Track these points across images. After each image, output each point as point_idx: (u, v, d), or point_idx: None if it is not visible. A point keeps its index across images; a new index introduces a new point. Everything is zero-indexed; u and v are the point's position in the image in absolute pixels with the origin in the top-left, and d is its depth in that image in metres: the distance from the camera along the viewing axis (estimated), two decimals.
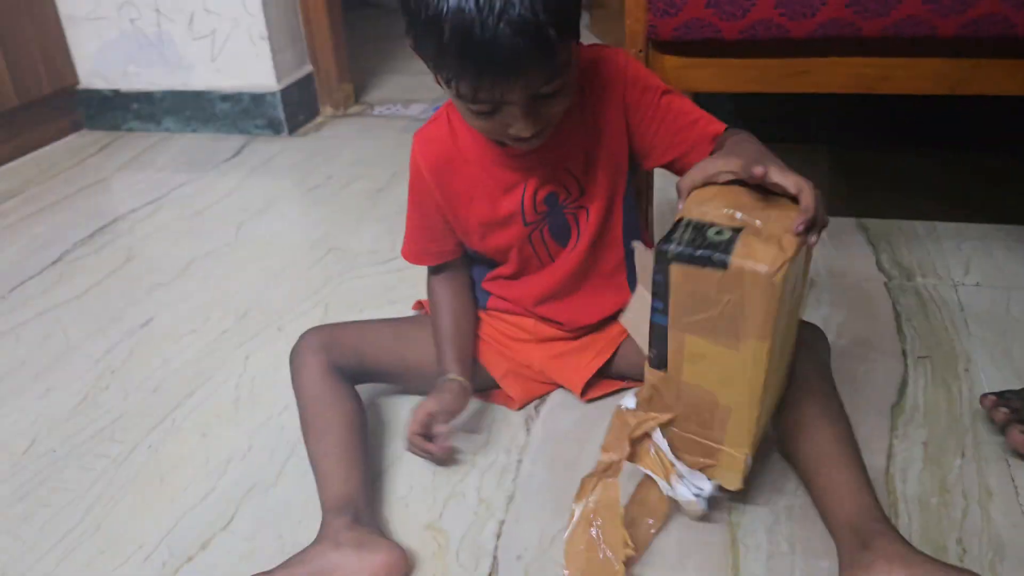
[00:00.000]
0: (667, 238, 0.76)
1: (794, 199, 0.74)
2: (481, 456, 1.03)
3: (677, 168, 0.96)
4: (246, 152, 2.13)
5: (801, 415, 0.91)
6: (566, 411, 1.09)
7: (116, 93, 2.29)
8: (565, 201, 1.00)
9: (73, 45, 2.27)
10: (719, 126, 0.94)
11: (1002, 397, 0.98)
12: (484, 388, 1.11)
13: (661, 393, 0.84)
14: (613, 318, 1.07)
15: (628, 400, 0.87)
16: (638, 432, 0.86)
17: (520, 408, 1.10)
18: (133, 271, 1.57)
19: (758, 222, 0.74)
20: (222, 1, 2.11)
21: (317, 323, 1.31)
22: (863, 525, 0.80)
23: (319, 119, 2.34)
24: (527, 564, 0.88)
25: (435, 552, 0.90)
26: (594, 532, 0.85)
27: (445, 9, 0.76)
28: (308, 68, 2.31)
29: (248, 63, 2.18)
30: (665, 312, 0.79)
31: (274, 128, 2.22)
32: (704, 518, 0.91)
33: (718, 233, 0.74)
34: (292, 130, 2.24)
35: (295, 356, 1.03)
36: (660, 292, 0.78)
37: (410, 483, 1.00)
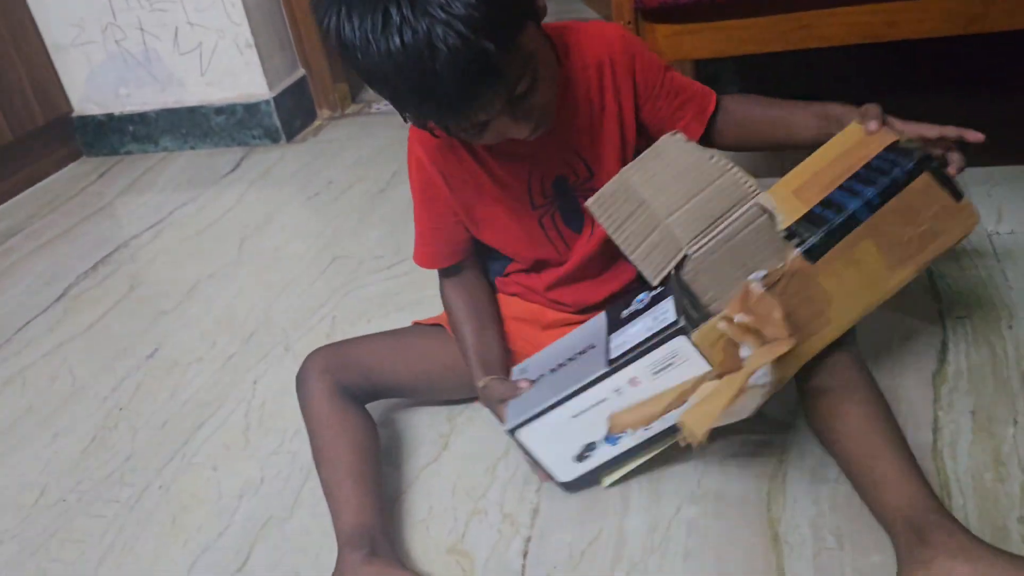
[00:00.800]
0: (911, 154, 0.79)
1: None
2: (501, 466, 0.98)
3: None
4: (245, 164, 2.09)
5: (832, 400, 0.84)
6: None
7: (110, 117, 2.26)
8: (575, 184, 0.95)
9: (63, 73, 2.24)
10: (712, 97, 0.96)
11: None
12: None
13: (789, 283, 0.80)
14: (618, 297, 1.02)
15: (757, 277, 0.80)
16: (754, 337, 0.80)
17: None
18: (137, 300, 1.53)
19: None
20: (205, 13, 2.06)
21: (324, 338, 1.27)
22: (917, 517, 0.74)
23: (317, 123, 2.29)
24: None
25: None
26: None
27: (377, 64, 0.70)
28: (300, 72, 2.26)
29: (238, 73, 2.13)
30: (873, 208, 0.78)
31: (271, 137, 2.17)
32: (742, 511, 0.85)
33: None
34: (290, 137, 2.19)
35: (301, 382, 0.99)
36: (886, 189, 0.77)
37: (429, 504, 0.95)
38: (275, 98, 2.14)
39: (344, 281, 1.46)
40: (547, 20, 0.82)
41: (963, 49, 1.70)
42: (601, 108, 0.92)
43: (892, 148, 0.82)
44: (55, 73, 2.23)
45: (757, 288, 0.78)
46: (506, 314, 1.06)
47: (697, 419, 0.78)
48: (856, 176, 0.81)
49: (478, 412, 1.06)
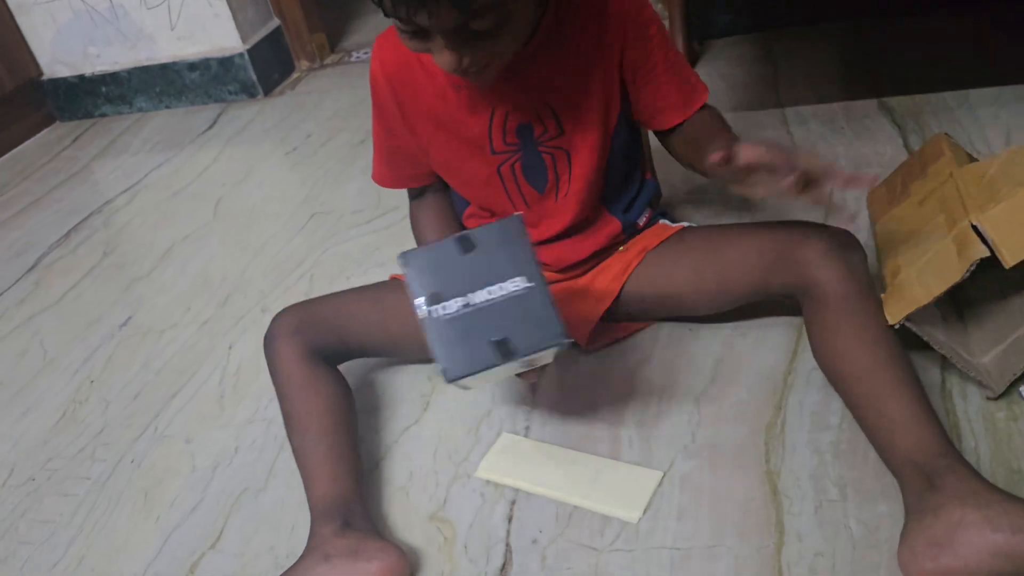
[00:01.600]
0: None
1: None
2: (485, 427, 0.93)
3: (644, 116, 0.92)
4: (222, 121, 2.01)
5: (839, 340, 0.79)
6: (572, 367, 0.98)
7: (82, 79, 2.18)
8: (541, 136, 0.88)
9: (28, 34, 2.15)
10: (704, 95, 0.91)
11: None
12: None
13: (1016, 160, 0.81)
14: (608, 252, 0.96)
15: None
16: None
17: None
18: (110, 267, 1.48)
19: None
20: None
21: (302, 297, 1.20)
22: (927, 461, 0.69)
23: (295, 75, 2.20)
24: (544, 549, 0.78)
25: (441, 546, 0.80)
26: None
27: None
28: (275, 22, 2.17)
29: (209, 26, 2.04)
30: None
31: (248, 91, 2.09)
32: (738, 465, 0.80)
33: None
34: (267, 91, 2.11)
35: (269, 343, 0.93)
36: None
37: (409, 469, 0.90)
38: (249, 51, 2.05)
39: (323, 238, 1.39)
40: None
41: None
42: (589, 66, 0.86)
43: None
44: (20, 35, 2.14)
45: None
46: None
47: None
48: None
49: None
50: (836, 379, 0.80)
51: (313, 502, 0.81)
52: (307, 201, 1.53)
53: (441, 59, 0.72)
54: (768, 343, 0.95)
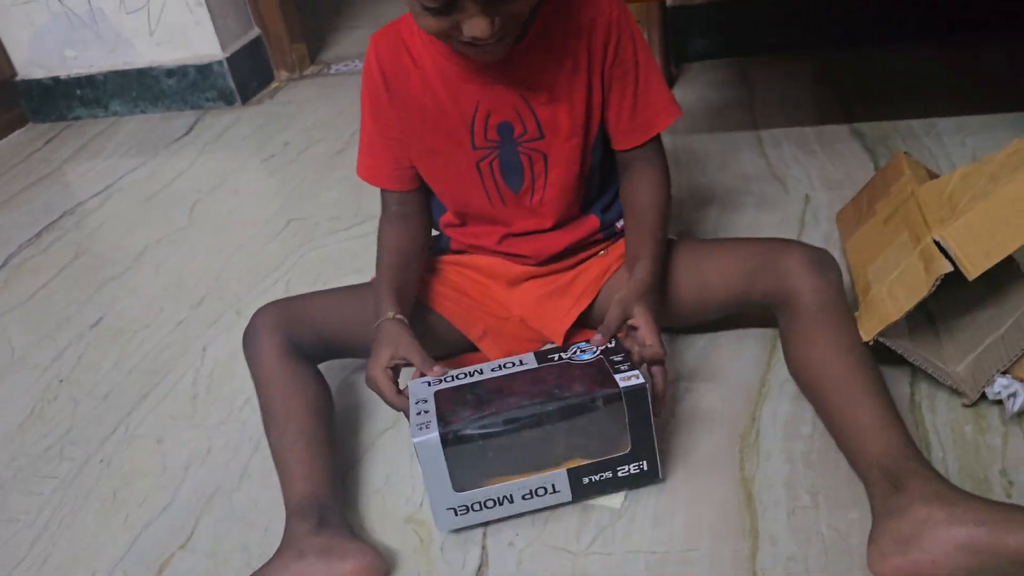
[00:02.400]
0: None
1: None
2: None
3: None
4: (198, 128, 2.00)
5: (814, 349, 0.82)
6: None
7: (57, 81, 2.15)
8: (520, 137, 0.90)
9: (4, 35, 2.13)
10: (668, 120, 0.92)
11: None
12: (459, 351, 1.00)
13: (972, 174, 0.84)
14: (587, 246, 0.98)
15: None
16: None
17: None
18: (82, 268, 1.46)
19: None
20: None
21: None
22: (894, 465, 0.71)
23: (274, 84, 2.20)
24: (520, 551, 0.78)
25: (417, 548, 0.80)
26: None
27: None
28: (255, 31, 2.17)
29: (189, 32, 2.04)
30: None
31: (226, 99, 2.09)
32: (713, 472, 0.81)
33: None
34: (245, 99, 2.10)
35: (249, 338, 0.93)
36: None
37: (386, 472, 0.90)
38: (228, 59, 2.05)
39: (299, 243, 1.39)
40: None
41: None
42: (573, 73, 0.87)
43: None
44: None
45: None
46: (471, 270, 1.01)
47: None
48: None
49: None
50: (809, 387, 0.82)
51: (288, 500, 0.81)
52: (284, 207, 1.53)
53: (476, 26, 0.73)
54: (742, 355, 0.96)
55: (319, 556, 0.74)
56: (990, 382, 0.80)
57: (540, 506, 0.79)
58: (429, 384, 0.81)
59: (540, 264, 0.98)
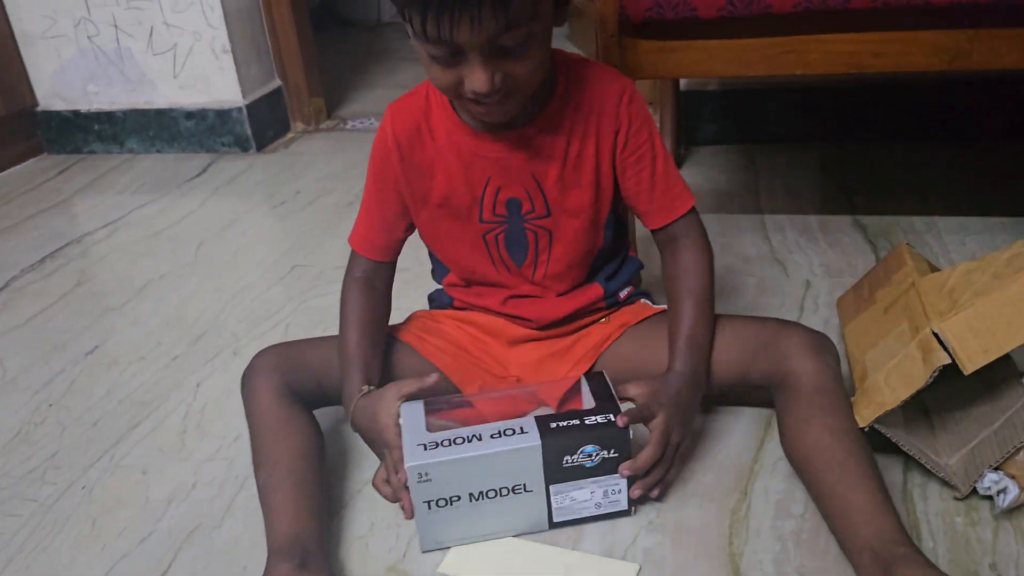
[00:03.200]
0: None
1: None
2: None
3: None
4: (211, 171, 2.03)
5: (811, 430, 0.82)
6: None
7: (76, 114, 2.19)
8: (527, 214, 0.92)
9: (30, 65, 2.18)
10: (687, 204, 0.94)
11: None
12: (452, 407, 1.00)
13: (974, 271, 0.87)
14: (589, 312, 0.99)
15: None
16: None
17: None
18: (83, 296, 1.46)
19: None
20: (183, 15, 2.02)
21: None
22: (885, 549, 0.71)
23: (289, 135, 2.24)
24: None
25: None
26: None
27: None
28: (276, 83, 2.22)
29: (212, 78, 2.09)
30: None
31: (241, 145, 2.12)
32: (702, 545, 0.80)
33: None
34: (260, 147, 2.14)
35: (247, 378, 0.93)
36: None
37: (371, 520, 0.89)
38: (248, 106, 2.10)
39: (302, 289, 1.40)
40: None
41: (946, 102, 1.71)
42: (581, 156, 0.90)
43: None
44: (22, 64, 2.16)
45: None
46: (472, 327, 1.01)
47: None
48: None
49: None
50: (803, 467, 0.83)
51: (272, 539, 0.80)
52: (289, 253, 1.55)
53: (475, 78, 0.76)
54: (737, 431, 0.96)
55: None
56: (981, 477, 0.80)
57: (508, 447, 0.80)
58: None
59: (542, 328, 0.99)
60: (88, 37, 2.10)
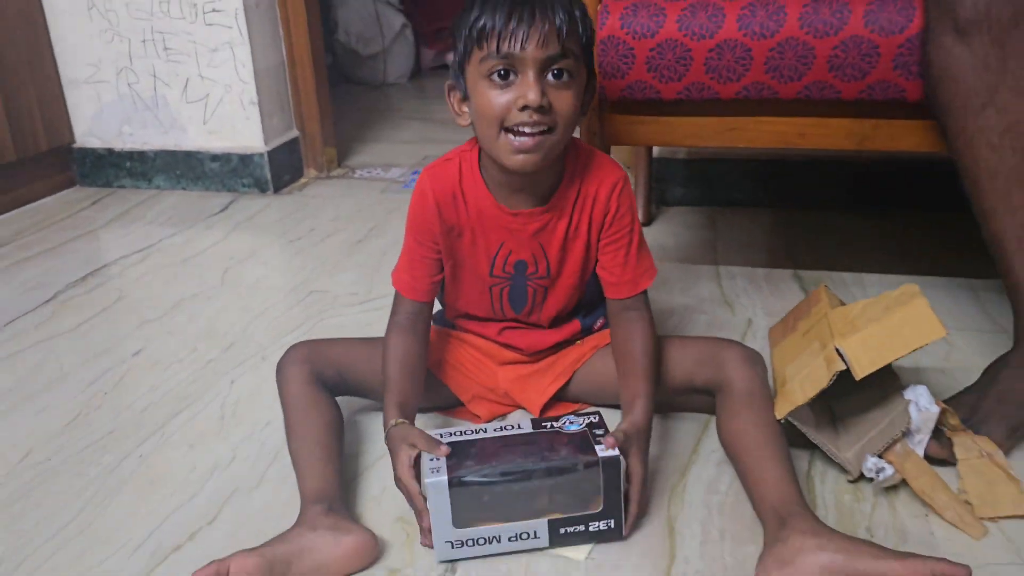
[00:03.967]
0: None
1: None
2: None
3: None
4: (233, 208, 2.26)
5: (739, 422, 1.04)
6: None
7: (110, 152, 2.42)
8: (531, 274, 1.13)
9: (72, 106, 2.41)
10: (646, 283, 1.12)
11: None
12: (452, 406, 1.22)
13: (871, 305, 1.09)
14: (570, 342, 1.20)
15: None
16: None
17: (485, 424, 1.21)
18: (124, 309, 1.67)
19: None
20: (217, 69, 2.27)
21: None
22: (784, 509, 0.92)
23: (303, 180, 2.48)
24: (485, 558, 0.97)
25: (404, 541, 0.99)
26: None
27: None
28: (295, 133, 2.46)
29: (238, 126, 2.32)
30: None
31: (260, 187, 2.35)
32: (647, 512, 1.02)
33: None
34: (277, 189, 2.37)
35: (282, 367, 1.14)
36: None
37: (383, 485, 1.09)
38: (269, 152, 2.33)
39: (320, 310, 1.61)
40: None
41: (868, 177, 1.98)
42: (576, 230, 1.09)
43: None
44: (64, 105, 2.39)
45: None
46: (470, 347, 1.22)
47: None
48: None
49: (433, 420, 1.22)
50: (731, 450, 1.04)
51: (304, 490, 1.00)
52: (306, 281, 1.76)
53: (530, 90, 0.92)
54: (680, 430, 1.18)
55: (328, 530, 0.93)
56: (865, 460, 1.02)
57: (521, 548, 0.95)
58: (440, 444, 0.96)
59: (529, 355, 1.21)
60: (128, 84, 2.35)
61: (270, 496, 1.09)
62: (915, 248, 1.79)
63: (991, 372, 1.11)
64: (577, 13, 0.96)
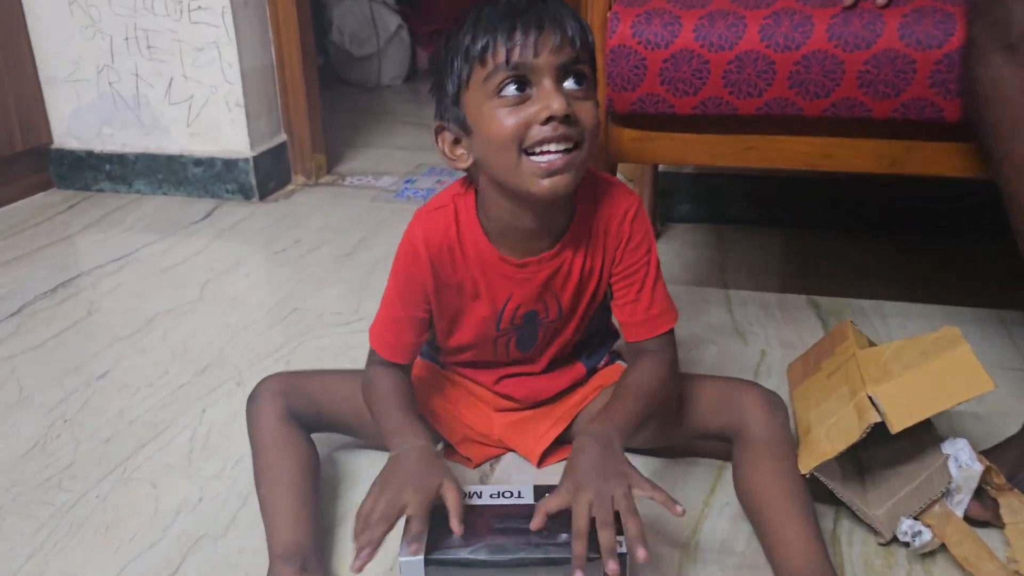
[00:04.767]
0: None
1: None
2: None
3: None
4: (216, 215, 2.15)
5: (759, 474, 0.94)
6: (520, 471, 1.10)
7: (89, 154, 2.31)
8: (542, 319, 1.02)
9: (50, 105, 2.30)
10: (667, 325, 0.99)
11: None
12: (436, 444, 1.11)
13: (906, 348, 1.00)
14: (569, 391, 1.10)
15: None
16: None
17: (475, 468, 1.11)
18: (94, 325, 1.56)
19: None
20: (202, 69, 2.17)
21: None
22: (811, 574, 0.82)
23: (290, 187, 2.37)
24: None
25: None
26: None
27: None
28: (282, 137, 2.36)
29: (223, 129, 2.22)
30: None
31: (245, 193, 2.25)
32: (656, 563, 0.91)
33: None
34: (263, 196, 2.27)
35: (252, 400, 1.03)
36: None
37: None
38: (255, 157, 2.23)
39: (302, 331, 1.51)
40: None
41: (891, 198, 1.88)
42: (590, 269, 0.98)
43: None
44: (42, 104, 2.29)
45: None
46: (461, 389, 1.12)
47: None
48: None
49: None
50: (749, 505, 0.94)
51: (273, 545, 0.90)
52: (290, 297, 1.66)
53: (552, 98, 0.80)
54: (692, 477, 1.08)
55: None
56: (900, 523, 0.92)
57: None
58: None
59: (527, 408, 1.10)
60: (109, 83, 2.24)
61: (240, 543, 0.99)
62: (938, 276, 1.69)
63: None
64: (584, 21, 0.86)
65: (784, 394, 1.21)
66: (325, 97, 2.53)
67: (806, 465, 0.94)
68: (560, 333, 1.05)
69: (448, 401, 1.10)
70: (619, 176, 1.88)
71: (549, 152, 0.83)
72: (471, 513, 0.84)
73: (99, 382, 1.36)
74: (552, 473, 1.09)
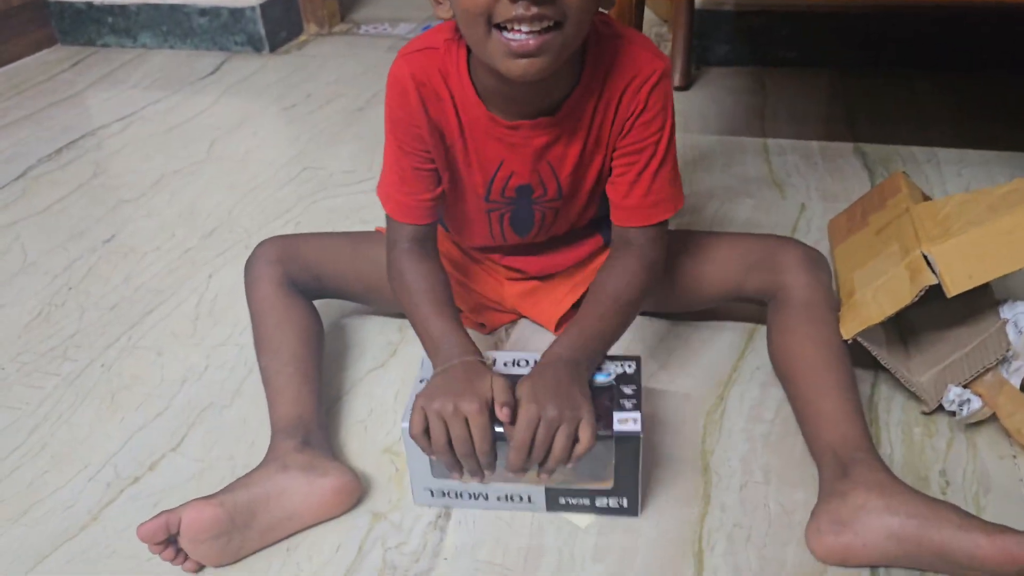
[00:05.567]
0: None
1: None
2: None
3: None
4: (224, 69, 2.04)
5: (795, 339, 0.87)
6: (536, 336, 1.04)
7: (90, 6, 2.19)
8: (538, 198, 0.91)
9: None
10: (662, 215, 0.86)
11: None
12: None
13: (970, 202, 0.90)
14: (589, 260, 1.02)
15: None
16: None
17: (490, 333, 1.05)
18: (99, 187, 1.50)
19: None
20: None
21: None
22: (846, 452, 0.76)
23: (302, 37, 2.24)
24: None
25: (392, 476, 0.86)
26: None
27: None
28: None
29: None
30: None
31: (254, 45, 2.13)
32: (676, 441, 0.86)
33: None
34: (273, 48, 2.14)
35: (250, 267, 0.97)
36: None
37: (370, 407, 0.95)
38: (262, 5, 2.09)
39: (312, 190, 1.44)
40: None
41: (947, 31, 1.70)
42: (596, 139, 0.85)
43: None
44: None
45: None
46: (469, 259, 1.04)
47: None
48: None
49: None
50: (783, 373, 0.88)
51: (275, 419, 0.86)
52: (300, 155, 1.58)
53: None
54: (720, 342, 1.02)
55: (301, 470, 0.79)
56: (947, 391, 0.85)
57: (511, 510, 0.80)
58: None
59: (540, 279, 1.02)
60: None
61: (245, 412, 0.96)
62: (1003, 118, 1.54)
63: None
64: None
65: (825, 251, 1.12)
66: None
67: (849, 330, 0.86)
68: (560, 216, 0.94)
69: (457, 269, 1.03)
70: (649, 14, 1.73)
71: (520, 31, 0.70)
72: None
73: (104, 247, 1.31)
74: None
